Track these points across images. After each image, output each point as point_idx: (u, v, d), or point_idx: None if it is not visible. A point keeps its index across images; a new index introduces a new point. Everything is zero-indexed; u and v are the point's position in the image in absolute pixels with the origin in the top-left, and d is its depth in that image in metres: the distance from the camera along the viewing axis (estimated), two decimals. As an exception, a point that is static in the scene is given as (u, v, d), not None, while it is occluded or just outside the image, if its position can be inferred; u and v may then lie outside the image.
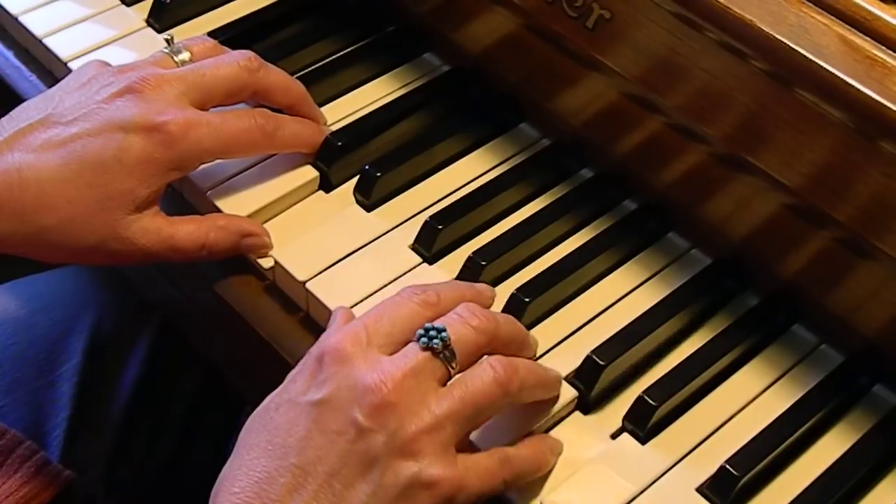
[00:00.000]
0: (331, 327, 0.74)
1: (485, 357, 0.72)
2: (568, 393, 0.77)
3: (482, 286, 0.79)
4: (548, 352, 0.79)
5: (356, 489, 0.66)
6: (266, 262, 0.83)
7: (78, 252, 0.79)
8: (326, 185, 0.88)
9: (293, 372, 0.72)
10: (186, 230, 0.81)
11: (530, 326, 0.80)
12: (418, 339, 0.70)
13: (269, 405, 0.70)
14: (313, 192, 0.88)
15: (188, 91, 0.81)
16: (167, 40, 0.86)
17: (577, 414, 0.77)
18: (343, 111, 0.92)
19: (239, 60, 0.83)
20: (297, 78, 0.89)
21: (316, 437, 0.67)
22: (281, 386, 0.71)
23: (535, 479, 0.73)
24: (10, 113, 0.81)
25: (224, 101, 0.83)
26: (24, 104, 0.82)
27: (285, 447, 0.67)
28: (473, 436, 0.73)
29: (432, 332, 0.70)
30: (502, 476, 0.71)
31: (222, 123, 0.81)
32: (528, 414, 0.75)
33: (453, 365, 0.70)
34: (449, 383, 0.70)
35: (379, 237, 0.85)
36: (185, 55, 0.84)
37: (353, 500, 0.66)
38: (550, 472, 0.74)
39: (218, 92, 0.82)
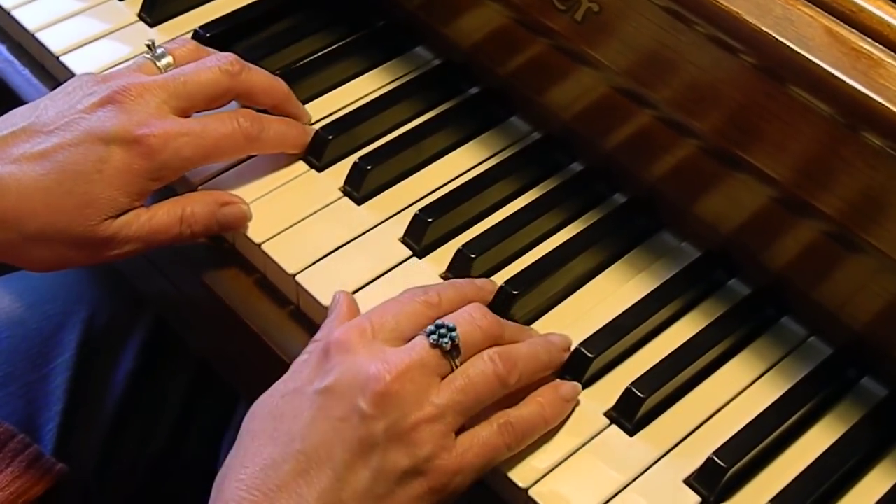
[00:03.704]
0: (332, 313, 0.76)
1: (486, 350, 0.73)
2: (556, 385, 0.77)
3: (481, 281, 0.80)
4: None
5: (357, 474, 0.68)
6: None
7: (60, 258, 0.80)
8: (317, 178, 0.88)
9: (298, 361, 0.73)
10: (163, 209, 0.81)
11: (519, 319, 0.80)
12: (428, 335, 0.71)
13: (273, 394, 0.72)
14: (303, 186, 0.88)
15: (169, 99, 0.81)
16: (148, 45, 0.85)
17: (565, 406, 0.78)
18: (334, 105, 0.93)
19: (220, 65, 0.83)
20: (288, 73, 0.89)
21: (320, 424, 0.68)
22: (286, 375, 0.73)
23: (520, 471, 0.73)
24: None
25: (206, 107, 0.83)
26: (10, 113, 0.82)
27: (290, 434, 0.69)
28: None
29: (443, 331, 0.71)
30: (504, 442, 0.72)
31: (203, 131, 0.81)
32: None
33: (457, 363, 0.71)
34: (450, 376, 0.71)
35: (369, 230, 0.85)
36: (167, 59, 0.84)
37: (355, 484, 0.68)
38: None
39: (199, 98, 0.82)
